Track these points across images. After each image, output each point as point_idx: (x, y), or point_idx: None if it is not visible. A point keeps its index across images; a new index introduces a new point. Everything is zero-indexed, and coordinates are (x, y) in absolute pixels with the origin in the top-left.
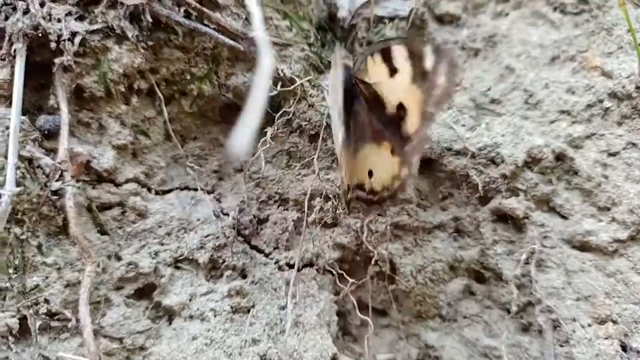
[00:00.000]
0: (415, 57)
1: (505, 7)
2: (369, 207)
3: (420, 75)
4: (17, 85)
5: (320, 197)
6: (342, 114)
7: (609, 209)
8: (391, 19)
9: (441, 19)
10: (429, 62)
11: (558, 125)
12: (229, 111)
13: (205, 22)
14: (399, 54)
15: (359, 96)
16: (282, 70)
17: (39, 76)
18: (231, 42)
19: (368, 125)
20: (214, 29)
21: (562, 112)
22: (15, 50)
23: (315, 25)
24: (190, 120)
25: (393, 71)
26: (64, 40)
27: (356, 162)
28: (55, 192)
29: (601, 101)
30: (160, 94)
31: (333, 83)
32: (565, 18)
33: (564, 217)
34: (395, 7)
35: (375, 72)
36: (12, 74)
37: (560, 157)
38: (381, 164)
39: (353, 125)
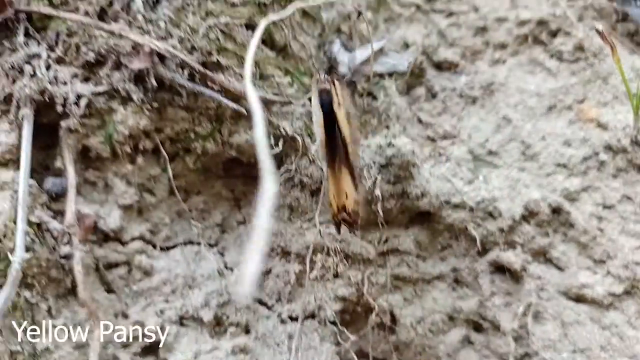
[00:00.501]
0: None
1: (502, 54)
2: (351, 228)
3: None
4: (24, 150)
5: (322, 252)
6: (323, 138)
7: (604, 262)
8: (390, 74)
9: (439, 66)
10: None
11: (555, 179)
12: (232, 165)
13: (209, 83)
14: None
15: (336, 120)
16: (283, 128)
17: (45, 136)
18: (233, 105)
19: (342, 149)
20: (217, 90)
21: (559, 165)
22: (22, 116)
23: None
24: (194, 176)
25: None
26: (70, 104)
27: (339, 185)
28: (63, 256)
29: (597, 154)
30: (164, 153)
31: (314, 108)
32: (562, 65)
33: (560, 269)
34: (393, 62)
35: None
36: (19, 139)
37: (556, 210)
38: (349, 186)
39: (334, 147)
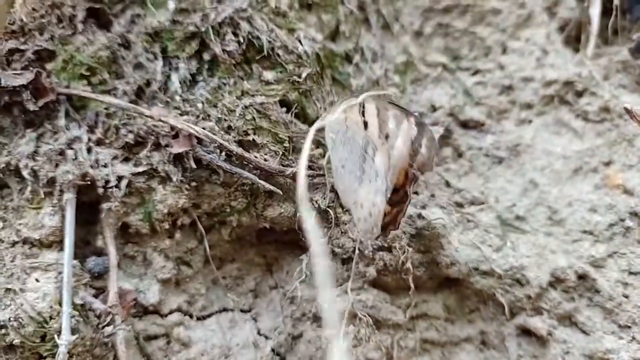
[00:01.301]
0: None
1: (529, 114)
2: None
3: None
4: (68, 234)
5: (354, 318)
6: None
7: (629, 328)
8: None
9: (466, 125)
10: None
11: (581, 245)
12: (265, 232)
13: (245, 162)
14: (370, 109)
15: None
16: (316, 201)
17: (86, 212)
18: (269, 186)
19: None
20: (253, 166)
21: (585, 231)
22: (66, 201)
23: None
24: (228, 246)
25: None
26: (111, 187)
27: None
28: (106, 335)
29: (623, 220)
30: (201, 228)
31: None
32: (587, 126)
33: (585, 334)
34: None
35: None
36: (62, 221)
37: (582, 276)
38: None
39: None
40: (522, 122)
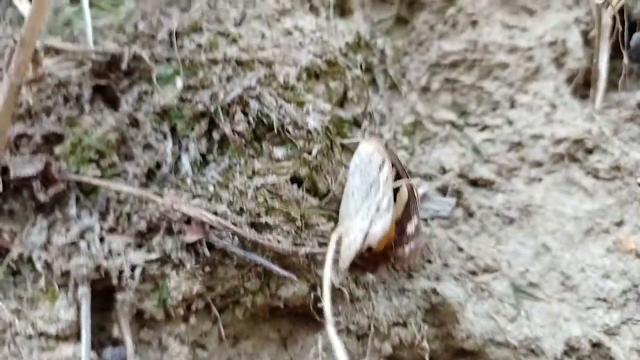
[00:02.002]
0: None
1: (538, 172)
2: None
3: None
4: (84, 327)
5: None
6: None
7: None
8: (432, 218)
9: (475, 183)
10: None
11: (594, 313)
12: (279, 310)
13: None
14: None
15: None
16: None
17: (100, 300)
18: (283, 272)
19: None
20: (268, 248)
21: (599, 298)
22: (81, 295)
23: None
24: (242, 324)
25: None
26: (125, 277)
27: None
28: None
29: (636, 286)
30: (216, 311)
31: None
32: (598, 184)
33: None
34: (436, 207)
35: None
36: (78, 314)
37: (596, 345)
38: None
39: None
40: (532, 181)
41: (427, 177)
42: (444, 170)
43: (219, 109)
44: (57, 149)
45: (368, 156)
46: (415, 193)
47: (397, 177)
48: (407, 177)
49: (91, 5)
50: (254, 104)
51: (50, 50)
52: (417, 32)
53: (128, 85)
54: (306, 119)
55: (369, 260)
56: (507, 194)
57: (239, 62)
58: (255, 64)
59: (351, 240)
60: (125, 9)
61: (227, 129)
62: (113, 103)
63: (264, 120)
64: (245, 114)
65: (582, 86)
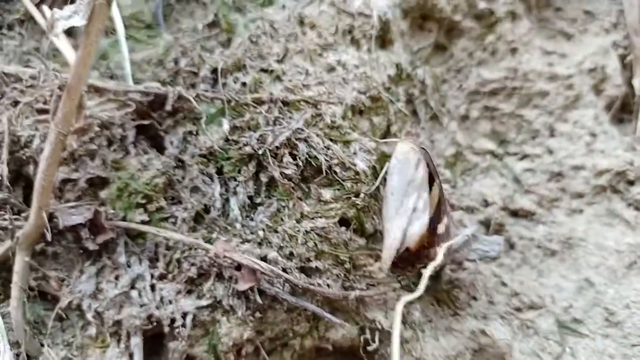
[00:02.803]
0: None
1: (579, 203)
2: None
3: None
4: None
5: None
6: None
7: None
8: (481, 259)
9: (516, 213)
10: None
11: None
12: (327, 351)
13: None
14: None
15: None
16: (379, 322)
17: (150, 344)
18: (334, 319)
19: None
20: (319, 293)
21: None
22: (134, 346)
23: None
24: None
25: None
26: (177, 325)
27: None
28: None
29: None
30: (264, 354)
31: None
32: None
33: None
34: (485, 248)
35: None
36: None
37: None
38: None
39: None
40: (573, 212)
41: (470, 210)
42: (486, 203)
43: (267, 152)
44: (103, 193)
45: (404, 155)
46: (444, 194)
47: (430, 177)
48: (439, 179)
49: (127, 37)
50: (302, 147)
51: (91, 89)
52: (455, 59)
53: (172, 125)
54: (354, 159)
55: (407, 260)
56: (548, 225)
57: (285, 103)
58: (301, 103)
59: (392, 239)
60: (163, 42)
61: (276, 173)
62: (157, 143)
63: (312, 162)
64: (294, 156)
65: (621, 111)
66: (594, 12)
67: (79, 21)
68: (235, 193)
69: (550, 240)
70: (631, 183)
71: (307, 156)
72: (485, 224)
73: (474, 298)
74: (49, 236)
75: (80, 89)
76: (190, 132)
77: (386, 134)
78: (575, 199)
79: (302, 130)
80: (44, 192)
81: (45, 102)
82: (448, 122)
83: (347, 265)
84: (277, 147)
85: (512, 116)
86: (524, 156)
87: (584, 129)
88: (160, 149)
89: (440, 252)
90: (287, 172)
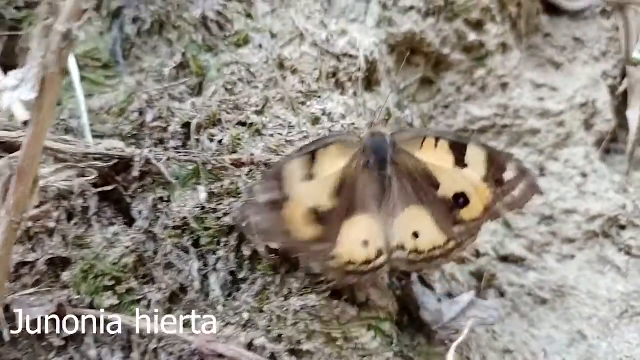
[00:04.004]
0: (495, 166)
1: (571, 248)
2: (411, 266)
3: (495, 181)
4: None
5: None
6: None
7: None
8: (478, 326)
9: (506, 259)
10: (508, 175)
11: None
12: None
13: None
14: (475, 154)
15: (398, 162)
16: None
17: None
18: None
19: (413, 190)
20: None
21: None
22: None
23: (396, 321)
24: None
25: (461, 163)
26: None
27: (397, 223)
28: None
29: None
30: None
31: None
32: (631, 262)
33: None
34: (483, 315)
35: (435, 155)
36: None
37: None
38: (429, 227)
39: (390, 187)
40: (564, 258)
41: (461, 261)
42: (478, 253)
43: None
44: (65, 276)
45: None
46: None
47: None
48: None
49: (81, 78)
50: None
51: (45, 152)
52: (443, 94)
53: (140, 191)
54: None
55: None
56: (539, 271)
57: (268, 165)
58: None
59: None
60: (124, 87)
61: (261, 248)
62: (122, 208)
63: None
64: None
65: (611, 142)
66: (583, 39)
67: (28, 94)
68: (215, 270)
69: (542, 288)
70: (623, 228)
71: None
72: (477, 276)
73: (468, 358)
74: (7, 335)
75: (34, 171)
76: (161, 199)
77: None
78: (566, 244)
79: None
80: None
81: None
82: None
83: (340, 342)
84: None
85: None
86: None
87: (575, 168)
88: (127, 215)
89: None
90: (273, 245)
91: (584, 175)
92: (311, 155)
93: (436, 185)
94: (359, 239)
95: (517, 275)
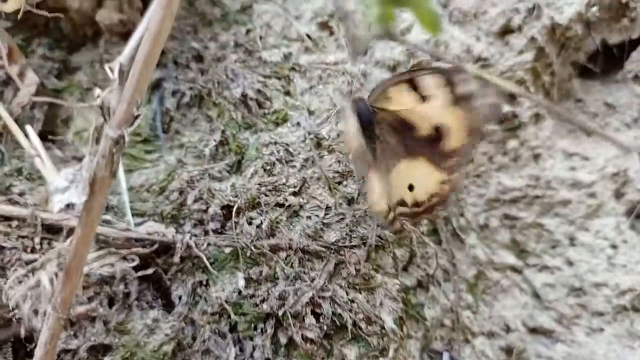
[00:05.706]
0: (449, 86)
1: (600, 321)
2: (416, 218)
3: (457, 100)
4: None
5: None
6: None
7: None
8: None
9: (535, 330)
10: (460, 89)
11: None
12: None
13: None
14: (428, 83)
15: (379, 121)
16: None
17: None
18: None
19: (399, 144)
20: None
21: None
22: None
23: None
24: None
25: (424, 98)
26: None
27: (392, 181)
28: None
29: None
30: None
31: (347, 118)
32: None
33: None
34: None
35: (401, 100)
36: None
37: None
38: (422, 176)
39: (380, 147)
40: (593, 331)
41: (491, 335)
42: (507, 328)
43: (288, 312)
44: None
45: None
46: None
47: None
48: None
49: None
50: (326, 306)
51: None
52: (475, 163)
53: (179, 274)
54: (380, 312)
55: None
56: (567, 344)
57: (305, 251)
58: (323, 251)
59: None
60: (164, 165)
61: (298, 337)
62: (161, 291)
63: (336, 319)
64: (317, 316)
65: None
66: (614, 105)
67: (78, 197)
68: (252, 357)
69: None
70: None
71: (332, 314)
72: (507, 350)
73: None
74: None
75: (81, 270)
76: (200, 283)
77: (408, 264)
78: (595, 317)
79: (327, 288)
80: None
81: (32, 250)
82: (467, 234)
83: None
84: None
85: (532, 225)
86: (544, 267)
87: (605, 240)
88: (165, 297)
89: None
90: (310, 335)
91: (614, 246)
92: None
93: (414, 131)
94: (376, 193)
95: (546, 347)
